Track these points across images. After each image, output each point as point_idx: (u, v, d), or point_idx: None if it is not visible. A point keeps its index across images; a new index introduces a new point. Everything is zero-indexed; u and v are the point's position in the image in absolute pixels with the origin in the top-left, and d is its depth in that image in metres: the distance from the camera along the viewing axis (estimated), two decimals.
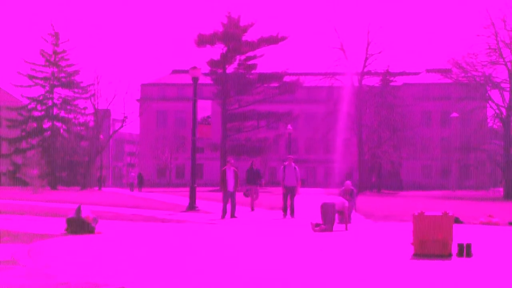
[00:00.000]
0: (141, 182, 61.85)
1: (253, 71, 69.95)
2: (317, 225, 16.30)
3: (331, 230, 16.03)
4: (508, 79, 53.64)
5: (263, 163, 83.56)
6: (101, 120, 73.03)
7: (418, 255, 11.06)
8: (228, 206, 21.34)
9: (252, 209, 25.08)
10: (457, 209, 23.04)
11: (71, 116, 67.94)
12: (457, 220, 17.37)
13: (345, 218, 16.92)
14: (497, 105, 54.38)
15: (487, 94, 54.67)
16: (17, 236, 13.43)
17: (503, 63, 53.46)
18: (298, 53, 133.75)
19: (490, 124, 57.40)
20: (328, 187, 69.09)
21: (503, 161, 53.30)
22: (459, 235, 12.54)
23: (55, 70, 66.43)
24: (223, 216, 21.05)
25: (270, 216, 22.34)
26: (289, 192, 21.39)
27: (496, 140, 55.52)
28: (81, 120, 69.93)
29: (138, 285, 7.95)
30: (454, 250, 11.08)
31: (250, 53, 69.31)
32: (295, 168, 21.59)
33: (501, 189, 54.52)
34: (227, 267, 9.76)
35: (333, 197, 17.24)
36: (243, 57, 69.28)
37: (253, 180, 25.34)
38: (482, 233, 15.89)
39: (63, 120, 66.66)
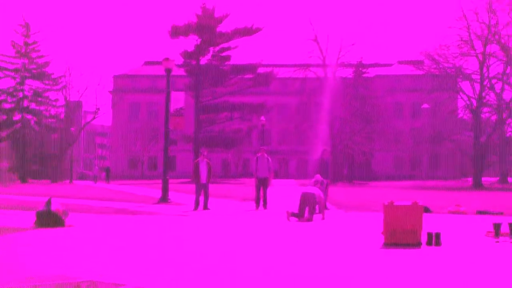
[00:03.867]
0: (108, 175, 61.78)
1: (227, 63, 69.80)
2: (292, 214, 16.50)
3: (311, 220, 16.32)
4: (478, 71, 54.28)
5: (237, 154, 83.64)
6: (72, 112, 72.49)
7: (388, 244, 11.18)
8: (201, 198, 21.36)
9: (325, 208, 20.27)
10: (426, 199, 23.33)
11: (42, 108, 67.37)
12: (426, 210, 17.60)
13: (322, 208, 17.14)
14: (468, 96, 55.04)
15: (458, 86, 55.35)
16: None
17: (474, 55, 54.10)
18: (272, 45, 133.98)
19: (460, 115, 58.15)
20: (301, 178, 69.43)
21: (472, 151, 54.01)
22: (428, 224, 12.69)
23: (26, 61, 65.78)
24: (195, 208, 21.06)
25: (243, 208, 22.37)
26: (262, 184, 21.46)
27: (466, 131, 56.27)
28: (52, 112, 69.37)
29: (108, 277, 7.91)
30: (424, 239, 11.21)
31: (224, 45, 69.14)
32: (268, 159, 21.65)
33: (470, 179, 55.36)
34: (202, 257, 9.75)
35: (310, 187, 17.37)
36: (217, 48, 69.08)
37: (324, 172, 21.43)
38: (451, 222, 16.10)
39: (33, 112, 66.06)
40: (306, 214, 16.50)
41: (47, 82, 67.29)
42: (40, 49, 66.61)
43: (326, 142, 69.53)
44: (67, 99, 71.81)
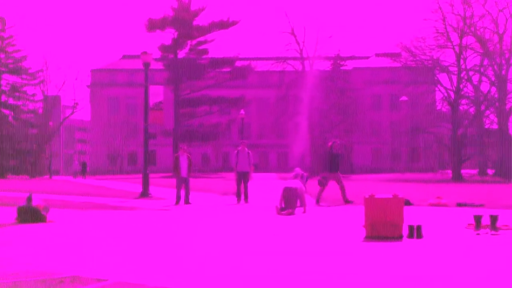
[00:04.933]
0: (84, 170, 61.46)
1: (204, 56, 69.67)
2: (282, 209, 16.58)
3: (293, 213, 16.37)
4: (455, 63, 54.69)
5: (216, 148, 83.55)
6: (50, 107, 71.89)
7: (370, 237, 11.24)
8: (182, 192, 21.34)
9: (346, 202, 20.12)
10: (407, 192, 23.51)
11: (19, 103, 66.76)
12: (407, 202, 17.73)
13: (303, 201, 17.22)
14: (445, 88, 55.47)
15: (435, 78, 55.76)
16: None
17: (451, 47, 54.50)
18: (249, 38, 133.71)
19: (438, 107, 58.60)
20: (281, 172, 69.56)
21: (450, 143, 54.48)
22: (409, 217, 12.80)
23: (2, 56, 65.09)
24: (177, 202, 21.04)
25: (224, 202, 22.38)
26: (243, 178, 21.49)
27: (444, 123, 56.72)
28: (30, 107, 68.79)
29: (91, 272, 7.90)
30: (405, 231, 11.29)
31: (201, 38, 68.99)
32: (248, 153, 21.68)
33: (449, 171, 55.81)
34: (185, 251, 9.76)
35: (292, 181, 17.45)
36: (194, 42, 68.91)
37: (333, 165, 20.68)
38: (432, 214, 16.24)
39: (11, 107, 65.42)
40: (289, 208, 16.55)
41: (24, 76, 66.68)
42: (16, 43, 65.99)
43: (305, 135, 69.80)
44: (45, 93, 71.21)
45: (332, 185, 21.04)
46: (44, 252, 9.91)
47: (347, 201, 20.11)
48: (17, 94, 66.12)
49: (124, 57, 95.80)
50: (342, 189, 20.35)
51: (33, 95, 68.64)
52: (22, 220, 14.27)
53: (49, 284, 7.23)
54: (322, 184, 20.42)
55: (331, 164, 20.54)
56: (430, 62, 54.98)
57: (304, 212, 16.86)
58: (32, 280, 7.46)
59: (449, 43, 54.50)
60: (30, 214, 14.32)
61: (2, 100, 64.63)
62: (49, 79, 71.95)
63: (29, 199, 14.60)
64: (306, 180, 19.81)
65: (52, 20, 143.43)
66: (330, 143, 21.34)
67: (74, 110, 75.93)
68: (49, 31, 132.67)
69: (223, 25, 68.11)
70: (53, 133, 72.10)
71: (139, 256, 9.42)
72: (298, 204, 17.14)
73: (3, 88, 65.04)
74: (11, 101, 65.76)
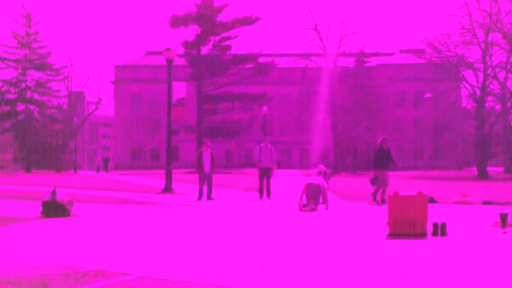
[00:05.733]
0: (106, 165, 62.09)
1: (227, 53, 69.70)
2: (304, 205, 16.54)
3: (316, 210, 16.36)
4: (481, 59, 54.07)
5: (239, 144, 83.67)
6: (75, 103, 72.49)
7: (393, 234, 11.13)
8: (205, 188, 21.38)
9: (383, 202, 18.49)
10: (431, 189, 23.31)
11: (44, 98, 67.36)
12: (431, 200, 17.56)
13: (325, 198, 17.14)
14: (471, 85, 54.87)
15: (460, 75, 55.15)
16: None
17: (477, 43, 53.88)
18: (272, 34, 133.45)
19: (463, 105, 57.99)
20: (303, 168, 69.45)
21: (476, 141, 53.90)
22: (434, 214, 12.67)
23: (28, 52, 65.67)
24: (199, 198, 21.07)
25: (247, 198, 22.39)
26: (265, 174, 21.47)
27: (469, 120, 56.13)
28: (55, 102, 69.43)
29: (114, 266, 7.93)
30: (429, 229, 11.18)
31: (224, 34, 69.02)
32: (271, 149, 21.67)
33: (475, 169, 55.20)
34: (208, 246, 9.76)
35: (314, 177, 17.39)
36: (217, 38, 68.96)
37: (383, 163, 19.45)
38: (456, 212, 16.07)
39: (36, 103, 66.01)
40: (312, 204, 16.50)
41: (49, 72, 67.25)
42: (42, 40, 66.54)
43: (328, 132, 69.54)
44: (69, 89, 71.80)
45: (356, 181, 20.93)
46: (68, 246, 9.97)
47: (383, 201, 18.65)
48: (42, 90, 66.71)
49: (147, 53, 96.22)
50: (378, 187, 19.25)
51: (58, 91, 69.23)
52: (47, 215, 14.40)
53: (73, 278, 7.27)
54: (374, 182, 19.30)
55: (381, 160, 19.43)
56: (455, 58, 54.42)
57: (327, 209, 16.78)
58: (57, 273, 7.51)
59: (475, 40, 53.90)
60: (54, 208, 14.44)
61: (28, 96, 65.25)
62: (74, 75, 72.58)
63: (54, 193, 14.72)
64: (329, 177, 19.74)
65: (76, 17, 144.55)
66: (379, 139, 20.22)
67: (98, 106, 76.47)
68: (73, 28, 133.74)
69: (246, 21, 68.07)
70: (77, 129, 72.67)
71: (162, 251, 9.44)
72: (321, 201, 17.08)
73: (28, 84, 65.65)
74: (36, 96, 66.38)
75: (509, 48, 53.33)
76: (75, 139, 70.81)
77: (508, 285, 7.01)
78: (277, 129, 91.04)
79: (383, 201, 18.62)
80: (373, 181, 19.32)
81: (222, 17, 68.58)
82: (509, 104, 54.91)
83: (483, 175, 50.56)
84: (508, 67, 54.75)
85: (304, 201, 16.74)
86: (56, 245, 10.13)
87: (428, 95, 57.91)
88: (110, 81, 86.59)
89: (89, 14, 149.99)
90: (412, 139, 73.68)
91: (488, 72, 54.47)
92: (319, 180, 17.18)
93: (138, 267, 7.92)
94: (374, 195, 19.19)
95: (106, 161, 63.66)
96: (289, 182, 35.14)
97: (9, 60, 65.56)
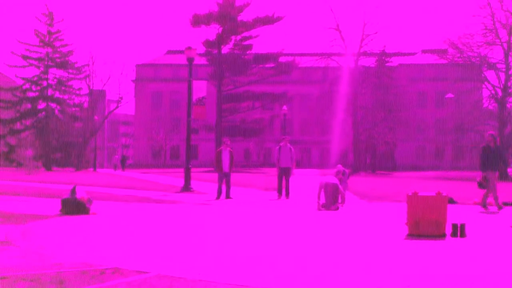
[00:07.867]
0: (124, 163, 62.61)
1: (248, 52, 69.73)
2: (323, 205, 16.54)
3: (337, 209, 16.43)
4: (504, 60, 53.58)
5: (258, 144, 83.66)
6: (96, 101, 72.95)
7: (412, 235, 11.07)
8: (224, 187, 21.39)
9: (499, 207, 17.02)
10: (451, 190, 23.11)
11: (65, 97, 67.83)
12: (451, 201, 17.41)
13: (343, 198, 17.10)
14: (492, 86, 54.39)
15: (482, 75, 54.71)
16: (12, 217, 13.40)
17: (499, 43, 53.40)
18: (293, 34, 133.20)
19: (485, 105, 57.48)
20: (323, 168, 69.27)
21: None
22: (453, 215, 12.58)
23: (50, 50, 66.17)
24: (218, 197, 21.09)
25: (265, 197, 22.37)
26: (284, 173, 21.44)
27: (491, 121, 55.64)
28: (76, 101, 69.90)
29: (132, 265, 7.95)
30: (448, 230, 11.09)
31: (246, 34, 69.07)
32: (290, 149, 21.63)
33: None
34: (226, 245, 9.76)
35: (330, 177, 17.35)
36: (238, 37, 69.02)
37: (493, 163, 17.16)
38: (476, 213, 15.92)
39: (57, 101, 66.46)
40: (331, 204, 16.48)
41: (70, 71, 67.72)
42: (64, 38, 67.00)
43: (348, 132, 69.31)
44: (91, 88, 72.27)
45: (375, 181, 20.83)
46: (86, 244, 10.03)
47: (499, 207, 17.15)
48: (63, 88, 67.18)
49: (168, 52, 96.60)
50: (488, 191, 17.26)
51: (79, 89, 69.70)
52: (66, 212, 14.50)
53: (90, 275, 7.30)
54: (483, 186, 17.34)
55: (490, 160, 17.08)
56: (477, 59, 53.98)
57: (344, 208, 16.73)
58: (75, 271, 7.55)
59: (497, 40, 53.42)
60: (74, 206, 14.54)
61: (49, 94, 65.76)
62: (95, 74, 73.06)
63: (73, 191, 14.82)
64: (348, 177, 19.66)
65: (98, 15, 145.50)
66: (487, 135, 17.86)
67: (119, 104, 76.88)
68: (95, 26, 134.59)
69: (267, 20, 68.07)
70: (98, 127, 73.14)
71: (180, 250, 9.45)
72: (339, 200, 17.04)
73: (50, 82, 66.16)
74: (57, 94, 66.87)
75: None
76: (96, 137, 71.25)
77: None
78: (297, 128, 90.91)
79: (499, 207, 17.10)
80: (481, 184, 17.42)
81: (244, 16, 68.74)
82: None
83: (504, 177, 50.06)
84: None
85: (323, 201, 16.72)
86: (74, 242, 10.19)
87: (449, 95, 57.47)
88: (131, 80, 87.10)
89: (111, 13, 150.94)
90: (433, 140, 73.12)
91: (510, 72, 53.92)
92: (335, 180, 17.14)
93: (155, 266, 7.94)
94: (484, 201, 17.28)
95: (123, 159, 64.11)
96: (308, 182, 35.06)
97: (31, 58, 66.10)
